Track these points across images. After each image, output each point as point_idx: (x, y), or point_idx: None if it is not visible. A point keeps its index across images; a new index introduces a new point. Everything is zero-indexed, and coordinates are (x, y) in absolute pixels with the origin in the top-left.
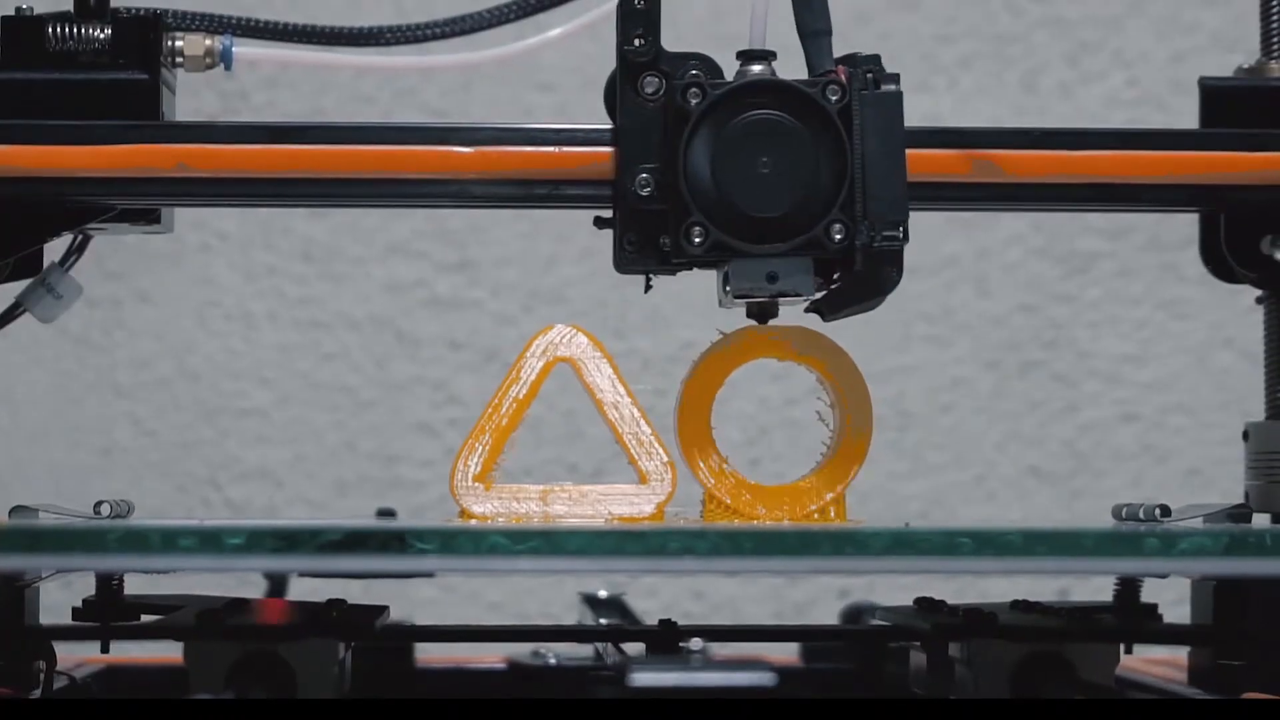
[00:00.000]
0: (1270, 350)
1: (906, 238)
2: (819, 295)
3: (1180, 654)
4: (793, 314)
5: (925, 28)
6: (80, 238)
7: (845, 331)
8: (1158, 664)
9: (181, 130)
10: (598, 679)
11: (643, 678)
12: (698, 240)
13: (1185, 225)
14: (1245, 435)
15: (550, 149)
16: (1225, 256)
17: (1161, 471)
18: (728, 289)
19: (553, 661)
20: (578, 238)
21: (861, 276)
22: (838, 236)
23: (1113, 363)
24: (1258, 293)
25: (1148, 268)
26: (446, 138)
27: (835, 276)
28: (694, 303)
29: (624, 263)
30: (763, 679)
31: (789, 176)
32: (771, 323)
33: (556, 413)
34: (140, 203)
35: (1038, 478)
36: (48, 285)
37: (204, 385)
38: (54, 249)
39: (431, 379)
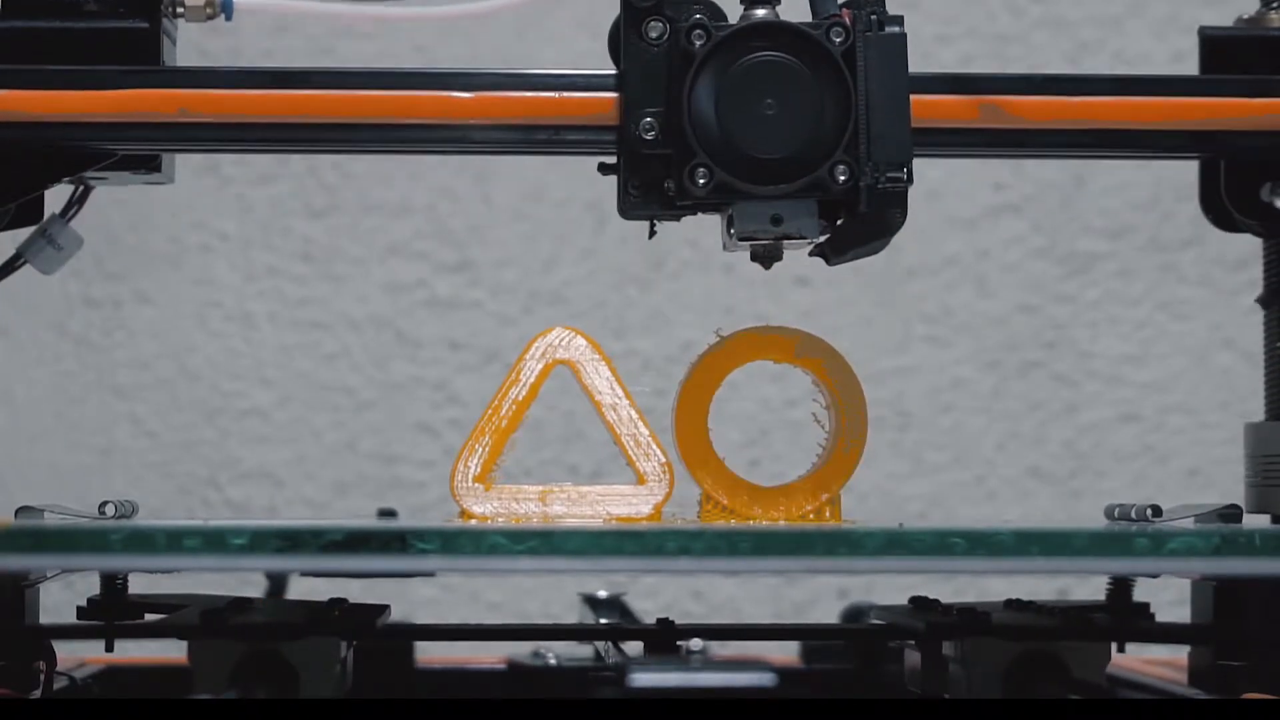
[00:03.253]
0: (1271, 350)
1: (911, 179)
2: (823, 239)
3: (1180, 654)
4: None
5: (926, 28)
6: (81, 188)
7: (846, 331)
8: (1157, 664)
9: (183, 75)
10: (598, 679)
11: (643, 678)
12: (702, 182)
13: (1185, 225)
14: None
15: (552, 94)
16: (1225, 205)
17: (1161, 471)
18: (732, 232)
19: (553, 661)
20: (578, 238)
21: (866, 218)
22: (842, 178)
23: (1113, 363)
24: (1257, 293)
25: (1148, 268)
26: (448, 83)
27: (839, 220)
28: (693, 303)
29: (628, 208)
30: (762, 679)
31: (793, 118)
32: (768, 325)
33: (556, 414)
34: (141, 148)
35: (1038, 478)
36: (48, 236)
37: (204, 385)
38: (54, 203)
39: (431, 379)
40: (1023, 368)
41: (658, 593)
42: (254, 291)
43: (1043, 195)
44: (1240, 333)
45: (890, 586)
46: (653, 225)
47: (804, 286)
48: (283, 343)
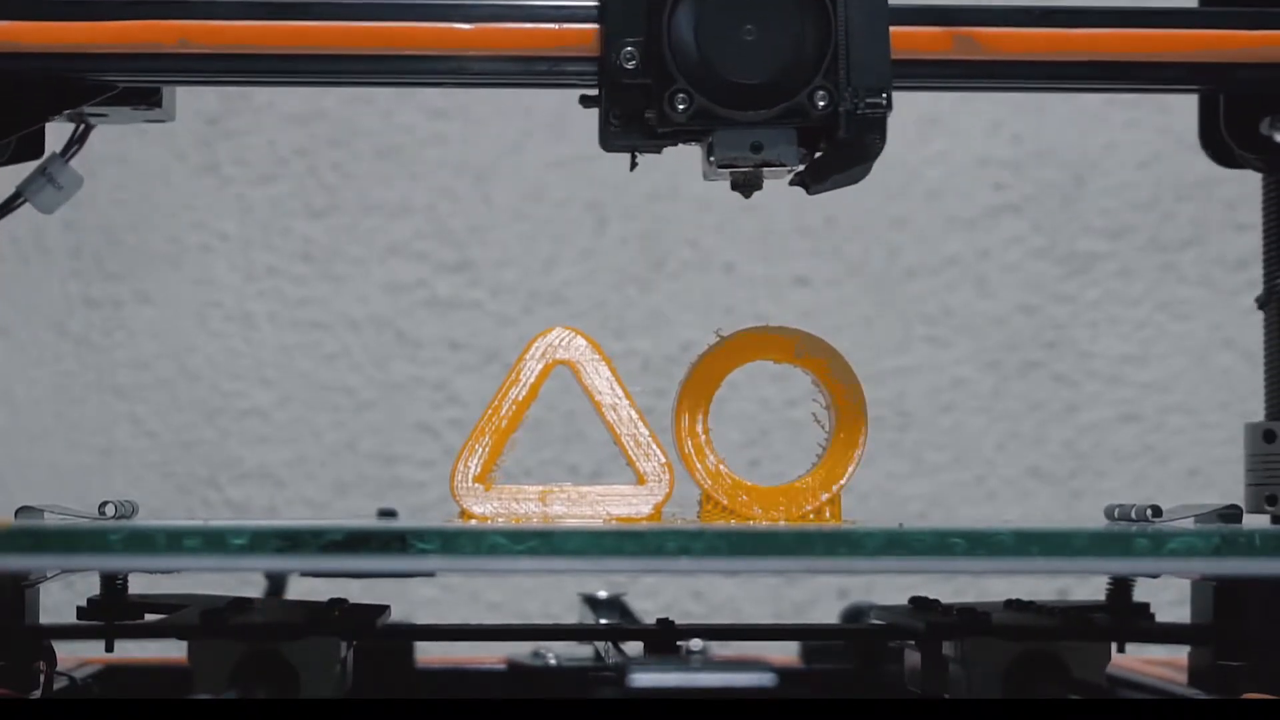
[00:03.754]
0: (1270, 352)
1: (890, 105)
2: (802, 166)
3: (1180, 654)
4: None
5: None
6: (81, 126)
7: (846, 331)
8: (1157, 664)
9: (183, 6)
10: (598, 679)
11: (643, 678)
12: (681, 108)
13: (1185, 225)
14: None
15: (552, 25)
16: (1225, 139)
17: (1161, 471)
18: (712, 159)
19: (553, 662)
20: (578, 238)
21: (845, 143)
22: (821, 103)
23: (1113, 363)
24: (1257, 293)
25: (1148, 268)
26: (448, 14)
27: (819, 151)
28: (693, 303)
29: (609, 139)
30: (762, 679)
31: (773, 44)
32: (768, 325)
33: (557, 414)
34: (141, 79)
35: (1038, 478)
36: (48, 175)
37: (204, 385)
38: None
39: (431, 379)
40: (1023, 368)
41: (658, 593)
42: (254, 291)
43: (1043, 195)
44: (1240, 333)
45: (890, 587)
46: (634, 157)
47: (804, 286)
48: (283, 343)
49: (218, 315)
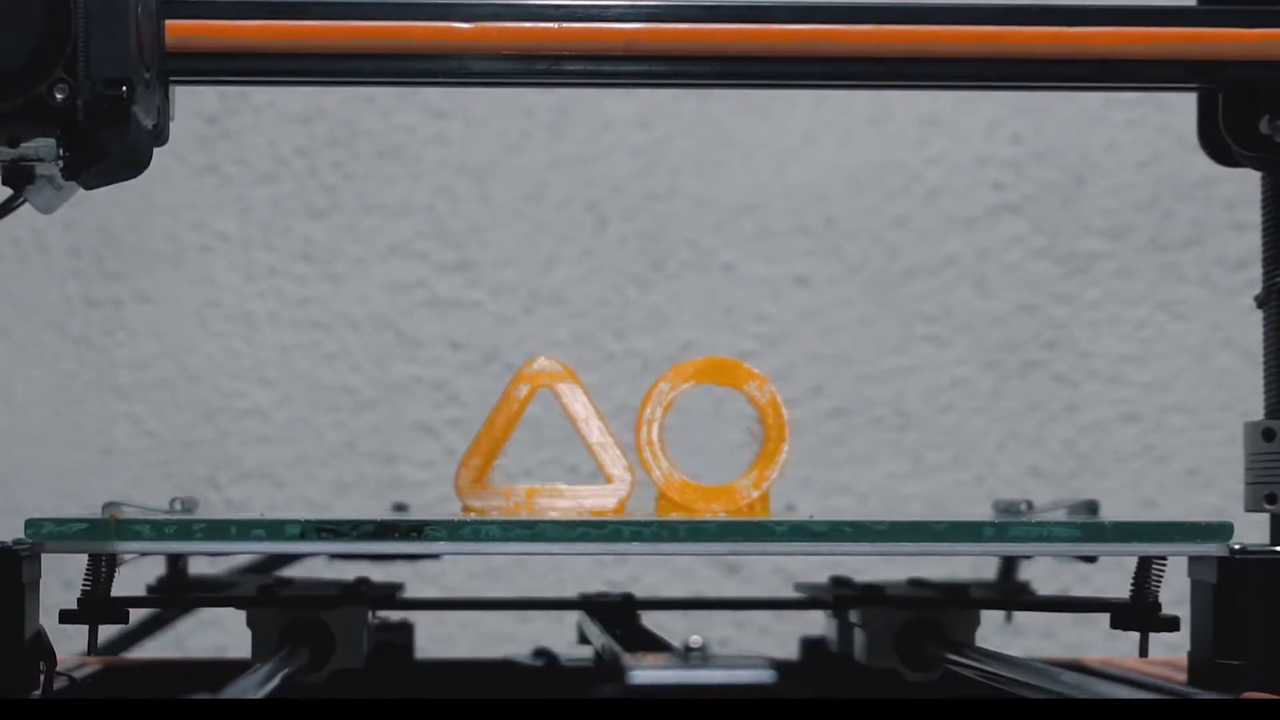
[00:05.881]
0: (1270, 351)
1: (131, 96)
2: (62, 160)
3: (1180, 654)
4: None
5: None
6: None
7: (846, 331)
8: (1157, 664)
9: (183, 6)
10: (598, 678)
11: (643, 676)
12: None
13: (1185, 225)
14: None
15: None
16: (1224, 138)
17: (1161, 471)
18: None
19: (553, 662)
20: (578, 238)
21: (85, 137)
22: (60, 95)
23: (1113, 363)
24: (1256, 293)
25: (1148, 268)
26: (448, 14)
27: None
28: (693, 303)
29: None
30: (762, 676)
31: (13, 35)
32: (712, 356)
33: (556, 413)
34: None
35: (1038, 478)
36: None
37: (204, 385)
38: None
39: (431, 379)
40: (1023, 368)
41: (636, 580)
42: (254, 291)
43: (1043, 195)
44: (1240, 333)
45: (848, 569)
46: None
47: (804, 286)
48: (283, 343)
49: (218, 315)
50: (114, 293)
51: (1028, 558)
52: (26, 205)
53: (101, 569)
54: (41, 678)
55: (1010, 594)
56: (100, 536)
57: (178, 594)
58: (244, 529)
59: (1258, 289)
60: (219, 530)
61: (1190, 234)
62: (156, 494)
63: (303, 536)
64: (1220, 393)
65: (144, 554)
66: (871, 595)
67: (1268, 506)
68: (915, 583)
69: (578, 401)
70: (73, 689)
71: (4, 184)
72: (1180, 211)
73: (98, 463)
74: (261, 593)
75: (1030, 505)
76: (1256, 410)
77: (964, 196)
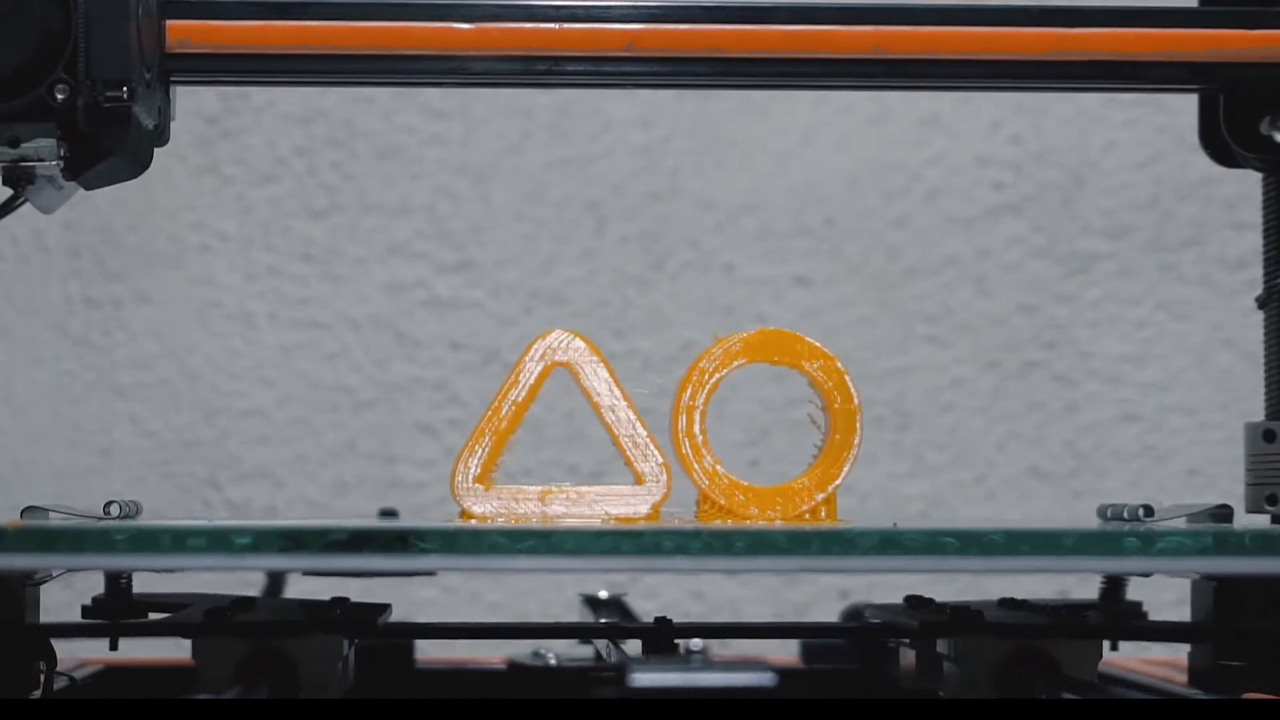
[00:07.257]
0: (1270, 351)
1: (132, 97)
2: (62, 161)
3: (1180, 654)
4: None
5: None
6: None
7: (846, 331)
8: (1157, 664)
9: (185, 6)
10: (598, 679)
11: (643, 678)
12: None
13: (1185, 225)
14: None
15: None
16: (1225, 139)
17: (1161, 471)
18: None
19: (553, 662)
20: (578, 238)
21: (87, 137)
22: (60, 96)
23: (1113, 363)
24: (1256, 293)
25: (1148, 268)
26: (448, 14)
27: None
28: (693, 303)
29: None
30: (763, 679)
31: (14, 35)
32: (765, 328)
33: (557, 414)
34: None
35: (1038, 478)
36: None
37: (204, 385)
38: None
39: (431, 379)
40: (1023, 368)
41: (658, 593)
42: (254, 291)
43: (1043, 195)
44: (1240, 333)
45: (891, 587)
46: None
47: (804, 286)
48: (283, 343)
49: (218, 315)
50: (114, 293)
51: (1188, 576)
52: (27, 205)
53: (11, 590)
54: (41, 678)
55: (1124, 617)
56: None
57: (113, 616)
58: (179, 539)
59: (1258, 289)
60: (146, 540)
61: (1190, 234)
62: (157, 494)
63: (255, 549)
64: (1220, 393)
65: (47, 571)
66: (967, 621)
67: (1268, 507)
68: (1008, 603)
69: (602, 384)
70: (72, 689)
71: (4, 184)
72: (1180, 211)
73: (98, 463)
74: (209, 618)
75: (1149, 511)
76: (1257, 410)
77: (964, 196)
